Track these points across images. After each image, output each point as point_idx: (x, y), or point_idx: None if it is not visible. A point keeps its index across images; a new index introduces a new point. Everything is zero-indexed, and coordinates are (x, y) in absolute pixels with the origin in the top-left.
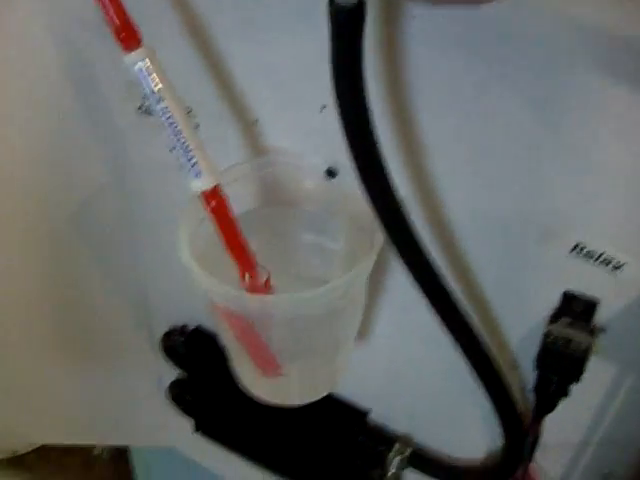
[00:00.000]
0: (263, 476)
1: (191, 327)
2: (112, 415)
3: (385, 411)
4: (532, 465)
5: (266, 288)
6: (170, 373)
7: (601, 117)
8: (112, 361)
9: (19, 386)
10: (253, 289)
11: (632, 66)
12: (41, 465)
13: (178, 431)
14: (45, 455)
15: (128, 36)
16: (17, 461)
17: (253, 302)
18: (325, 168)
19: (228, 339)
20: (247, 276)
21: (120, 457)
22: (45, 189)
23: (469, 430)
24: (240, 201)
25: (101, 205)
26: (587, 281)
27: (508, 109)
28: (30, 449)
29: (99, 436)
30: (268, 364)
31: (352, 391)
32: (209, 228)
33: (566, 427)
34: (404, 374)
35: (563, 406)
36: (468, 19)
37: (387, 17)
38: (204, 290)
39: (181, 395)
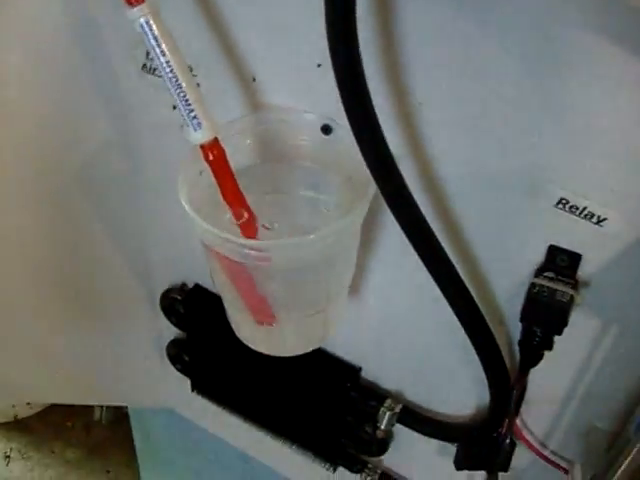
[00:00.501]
0: (259, 435)
1: (190, 285)
2: (112, 375)
3: (377, 368)
4: (517, 420)
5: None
6: (169, 333)
7: (588, 75)
8: (112, 321)
9: (19, 346)
10: (249, 237)
11: (621, 25)
12: (42, 429)
13: (177, 392)
14: (46, 419)
15: None
16: (19, 425)
17: (250, 246)
18: (321, 125)
19: (224, 287)
20: (242, 226)
21: (119, 421)
22: (50, 146)
23: (458, 387)
24: (239, 155)
25: (104, 163)
26: (571, 235)
27: (497, 64)
28: (31, 413)
29: (99, 396)
30: (262, 312)
31: (345, 348)
32: (208, 180)
33: (550, 382)
34: (395, 331)
35: (547, 361)
36: None
37: None
38: (200, 237)
39: (179, 355)
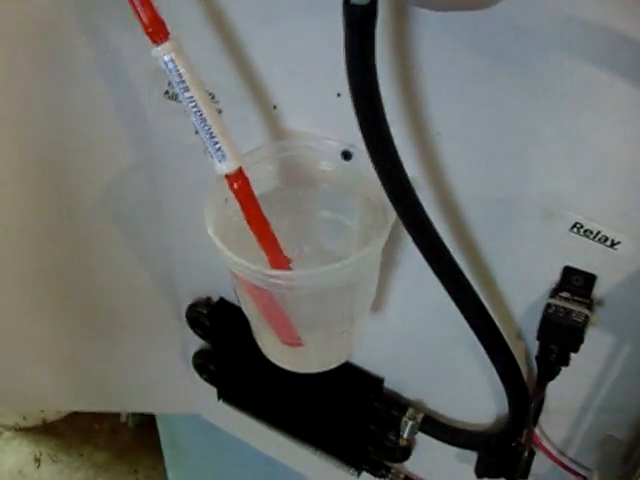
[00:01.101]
0: (283, 440)
1: (215, 299)
2: (139, 383)
3: (399, 379)
4: (535, 430)
5: (286, 263)
6: (195, 343)
7: (596, 105)
8: (140, 332)
9: (50, 355)
10: (275, 265)
11: (625, 58)
12: (70, 432)
13: (202, 399)
14: (73, 423)
15: (156, 30)
16: (47, 429)
17: (276, 277)
18: (341, 151)
19: (251, 311)
20: (268, 253)
21: (146, 424)
22: (78, 170)
23: (477, 397)
24: (262, 181)
25: (130, 185)
26: (586, 257)
27: (510, 97)
28: (60, 417)
29: (126, 404)
30: (289, 335)
31: (368, 360)
32: (234, 206)
33: (567, 394)
34: (416, 344)
35: (564, 374)
36: (471, 15)
37: (397, 13)
38: (229, 266)
39: (204, 365)
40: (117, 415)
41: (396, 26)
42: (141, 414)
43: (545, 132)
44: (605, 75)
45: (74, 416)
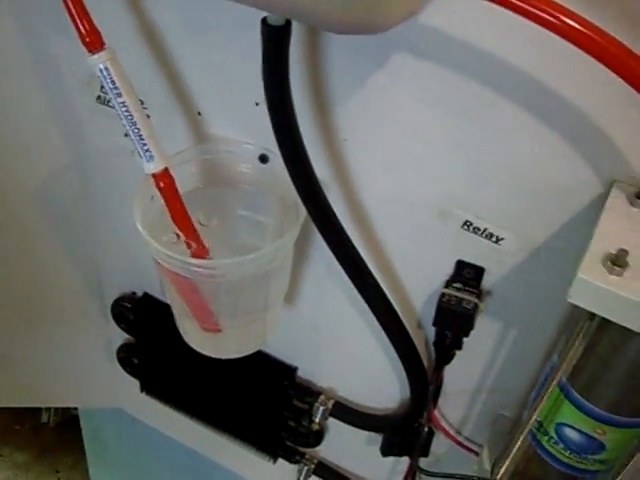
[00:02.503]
0: (204, 431)
1: (139, 294)
2: (63, 378)
3: (311, 368)
4: (435, 411)
5: (207, 254)
6: (119, 337)
7: (486, 118)
8: (65, 327)
9: None
10: (196, 256)
11: (507, 80)
12: None
13: (125, 392)
14: None
15: (92, 41)
16: None
17: (196, 266)
18: (258, 154)
19: (174, 299)
20: (192, 244)
21: (67, 424)
22: (10, 167)
23: (383, 383)
24: (186, 181)
25: (61, 183)
26: (475, 252)
27: (409, 109)
28: None
29: (49, 398)
30: (208, 321)
31: (282, 350)
32: (159, 203)
33: (462, 377)
34: (327, 334)
35: (459, 359)
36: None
37: (311, 32)
38: (154, 256)
39: (128, 358)
40: (38, 415)
41: (310, 43)
42: (62, 413)
43: (438, 140)
44: (490, 93)
45: None
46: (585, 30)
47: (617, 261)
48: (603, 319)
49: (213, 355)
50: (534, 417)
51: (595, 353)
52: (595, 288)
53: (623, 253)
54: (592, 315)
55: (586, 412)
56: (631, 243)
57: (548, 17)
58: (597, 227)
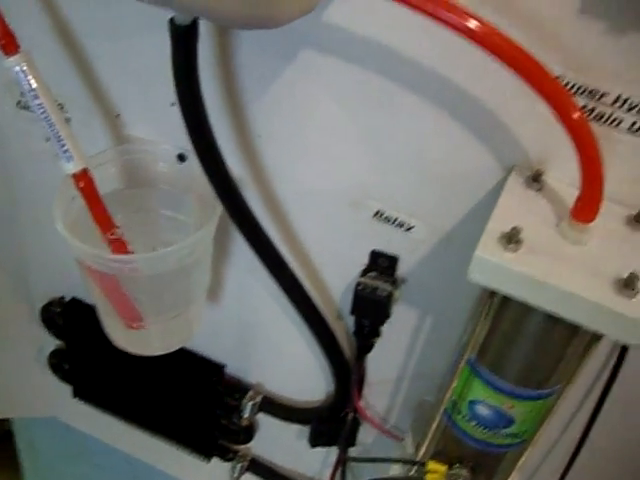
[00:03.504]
0: (139, 435)
1: (67, 299)
2: None
3: (239, 364)
4: (361, 401)
5: (127, 251)
6: (49, 344)
7: (391, 107)
8: None
9: None
10: (117, 252)
11: (404, 70)
12: None
13: (58, 400)
14: None
15: (8, 43)
16: None
17: (116, 261)
18: (176, 154)
19: (97, 297)
20: (110, 242)
21: (1, 439)
22: None
23: (308, 376)
24: (105, 182)
25: None
26: (388, 241)
27: (318, 104)
28: None
29: None
30: (131, 317)
31: (210, 348)
32: (80, 203)
33: (384, 366)
34: (252, 330)
35: (380, 347)
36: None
37: (219, 29)
38: (76, 254)
39: (59, 364)
40: None
41: (219, 40)
42: None
43: (346, 133)
44: (392, 84)
45: None
46: (477, 28)
47: (512, 238)
48: (504, 296)
49: (139, 353)
50: (447, 397)
51: (498, 330)
52: (492, 265)
53: (516, 231)
54: (493, 293)
55: (495, 387)
56: (525, 222)
57: (441, 14)
58: (495, 208)
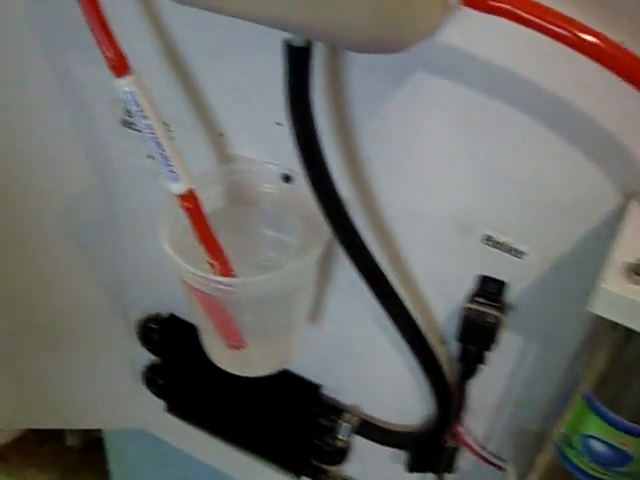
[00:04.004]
0: (228, 450)
1: (165, 315)
2: (87, 399)
3: (335, 385)
4: (459, 427)
5: (231, 274)
6: (143, 358)
7: (502, 134)
8: (89, 348)
9: None
10: (220, 274)
11: (521, 93)
12: (16, 456)
13: (149, 413)
14: (19, 446)
15: (119, 65)
16: None
17: (220, 283)
18: (281, 174)
19: (199, 316)
20: (216, 264)
21: (90, 446)
22: (33, 188)
23: (407, 399)
24: (210, 201)
25: (84, 204)
26: (497, 266)
27: (429, 126)
28: (3, 442)
29: (73, 420)
30: (233, 338)
31: (307, 369)
32: (184, 223)
33: (486, 392)
34: (351, 351)
35: (482, 373)
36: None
37: (331, 51)
38: (180, 275)
39: (154, 379)
40: (62, 438)
41: (329, 60)
42: (85, 436)
43: (457, 156)
44: (503, 106)
45: (20, 440)
46: (599, 42)
47: (638, 270)
48: (627, 328)
49: (238, 373)
50: (559, 429)
51: (620, 363)
52: (616, 297)
53: None
54: (615, 325)
55: (612, 423)
56: None
57: (563, 32)
58: (617, 238)
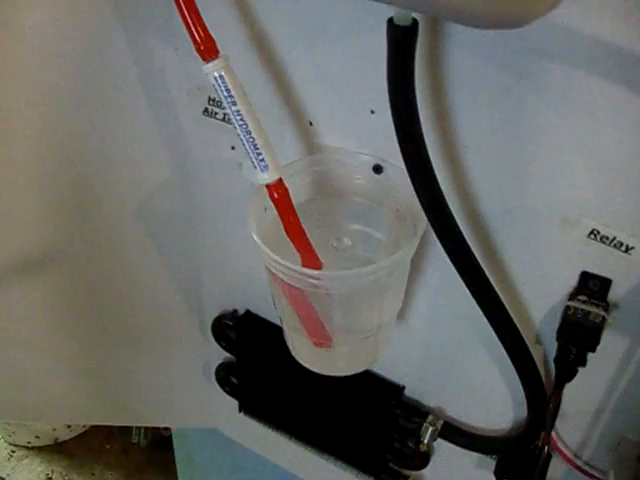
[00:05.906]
0: (302, 452)
1: (241, 312)
2: (158, 397)
3: (420, 386)
4: (552, 433)
5: (320, 266)
6: (216, 356)
7: (613, 119)
8: (162, 345)
9: (66, 367)
10: (307, 267)
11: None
12: (81, 452)
13: (221, 413)
14: (85, 442)
15: (208, 48)
16: (59, 448)
17: (307, 276)
18: (372, 165)
19: (285, 312)
20: (303, 256)
21: (156, 444)
22: (111, 183)
23: (496, 402)
24: (298, 192)
25: (162, 199)
26: (602, 262)
27: (532, 112)
28: (71, 436)
29: (144, 418)
30: (320, 335)
31: (389, 369)
32: (272, 215)
33: (583, 397)
34: (438, 352)
35: (581, 376)
36: (498, 34)
37: (432, 32)
38: (267, 265)
39: (227, 377)
40: (128, 435)
41: (428, 42)
42: (152, 434)
43: (565, 145)
44: (621, 91)
45: (85, 435)
46: None
47: None
48: None
49: (322, 372)
50: None
51: None
52: None
53: None
54: None
55: None
56: None
57: None
58: None
